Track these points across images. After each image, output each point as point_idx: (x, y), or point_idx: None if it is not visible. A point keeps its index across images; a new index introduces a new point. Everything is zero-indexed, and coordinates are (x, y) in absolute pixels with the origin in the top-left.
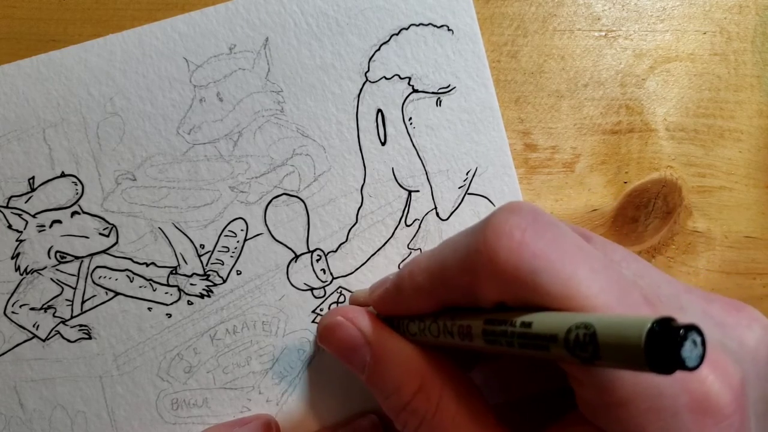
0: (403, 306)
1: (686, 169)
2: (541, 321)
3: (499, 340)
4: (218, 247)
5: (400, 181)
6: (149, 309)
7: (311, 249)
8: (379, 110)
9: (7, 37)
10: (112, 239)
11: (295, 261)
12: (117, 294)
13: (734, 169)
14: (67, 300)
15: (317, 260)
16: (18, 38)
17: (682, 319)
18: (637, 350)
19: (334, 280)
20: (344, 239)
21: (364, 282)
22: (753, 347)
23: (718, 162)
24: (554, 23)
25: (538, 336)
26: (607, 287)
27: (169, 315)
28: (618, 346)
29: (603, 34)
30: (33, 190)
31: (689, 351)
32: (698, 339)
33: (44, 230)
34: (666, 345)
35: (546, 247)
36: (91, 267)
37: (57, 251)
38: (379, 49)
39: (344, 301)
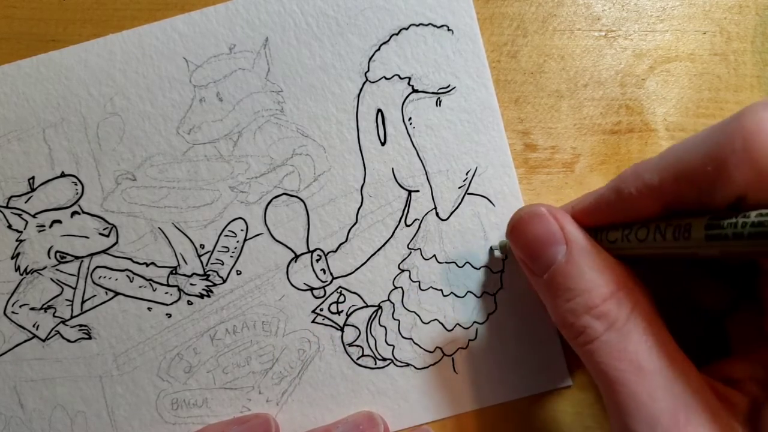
0: (621, 210)
1: None
2: None
3: (725, 233)
4: (218, 247)
5: (400, 181)
6: (149, 309)
7: (311, 249)
8: (379, 110)
9: (8, 37)
10: (112, 239)
11: (295, 261)
12: (117, 294)
13: None
14: (67, 300)
15: (317, 260)
16: (18, 38)
17: None
18: None
19: (334, 280)
20: (344, 239)
21: (363, 282)
22: None
23: None
24: (554, 23)
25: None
26: None
27: (169, 315)
28: None
29: (603, 34)
30: (33, 190)
31: None
32: None
33: (44, 230)
34: None
35: None
36: (91, 267)
37: (57, 251)
38: (378, 49)
39: (344, 301)
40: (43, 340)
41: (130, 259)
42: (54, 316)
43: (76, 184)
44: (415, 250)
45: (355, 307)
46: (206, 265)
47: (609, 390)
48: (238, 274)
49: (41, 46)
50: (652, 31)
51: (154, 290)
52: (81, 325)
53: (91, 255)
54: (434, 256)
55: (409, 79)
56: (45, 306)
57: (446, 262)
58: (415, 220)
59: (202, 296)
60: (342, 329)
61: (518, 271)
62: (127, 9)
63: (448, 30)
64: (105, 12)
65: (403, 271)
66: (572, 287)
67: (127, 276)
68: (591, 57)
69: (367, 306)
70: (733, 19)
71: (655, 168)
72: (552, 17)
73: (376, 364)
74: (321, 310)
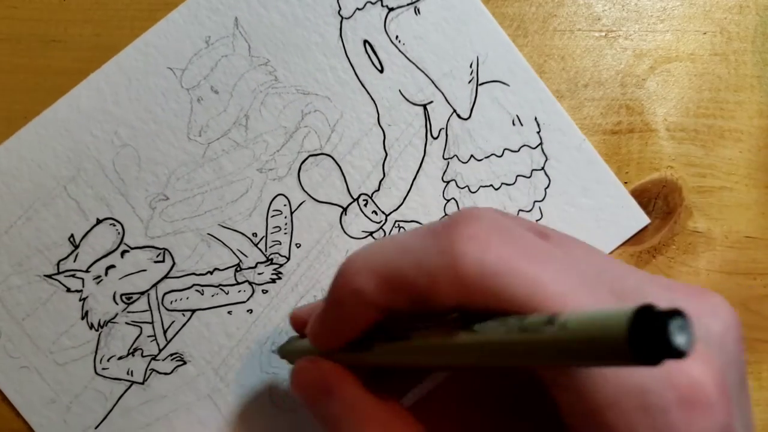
0: (346, 323)
1: (686, 170)
2: (531, 346)
3: (469, 356)
4: (270, 230)
5: (411, 100)
6: (229, 313)
7: (355, 197)
8: (365, 41)
9: (8, 38)
10: (168, 263)
11: (345, 214)
12: (194, 311)
13: (735, 169)
14: (149, 336)
15: (365, 205)
16: (19, 39)
17: None
18: (621, 342)
19: (388, 217)
20: (382, 175)
21: (416, 207)
22: (720, 333)
23: (718, 162)
24: (554, 23)
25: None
26: (574, 286)
27: (250, 311)
28: (599, 342)
29: (603, 34)
30: (77, 246)
31: (677, 336)
32: (684, 323)
33: (102, 280)
34: (652, 333)
35: (510, 250)
36: (160, 296)
37: (121, 294)
38: None
39: None
40: (142, 383)
41: (193, 273)
42: (143, 356)
43: (114, 225)
44: (451, 158)
45: (463, 208)
46: (266, 250)
47: None
48: (298, 247)
49: (42, 47)
50: (653, 31)
51: (227, 293)
52: (172, 354)
53: (155, 285)
54: (472, 156)
55: (381, 0)
56: (131, 350)
57: (485, 157)
58: (440, 129)
59: (273, 281)
60: None
61: (558, 141)
62: (127, 9)
63: None
64: (106, 12)
65: (448, 182)
66: None
67: (197, 291)
68: (591, 57)
69: None
70: (734, 19)
71: (370, 272)
72: (552, 17)
73: None
74: None
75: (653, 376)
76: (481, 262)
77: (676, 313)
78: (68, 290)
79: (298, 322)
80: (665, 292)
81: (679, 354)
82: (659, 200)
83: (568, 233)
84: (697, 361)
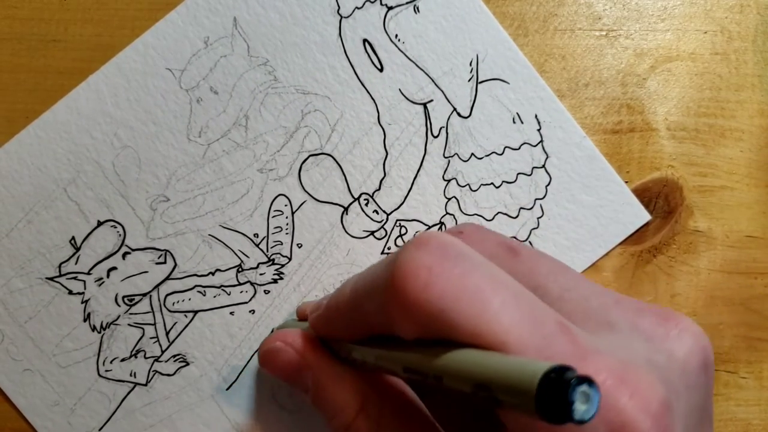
0: (335, 332)
1: (687, 169)
2: (450, 375)
3: (418, 382)
4: (271, 230)
5: (410, 98)
6: (231, 313)
7: (356, 196)
8: (365, 40)
9: (9, 38)
10: (170, 264)
11: (346, 213)
12: (196, 312)
13: (735, 168)
14: (151, 338)
15: (366, 204)
16: (19, 38)
17: (596, 356)
18: (529, 400)
19: (389, 216)
20: (383, 174)
21: (417, 206)
22: (682, 358)
23: (719, 161)
24: (555, 23)
25: (450, 388)
26: (519, 319)
27: (252, 311)
28: (514, 396)
29: (604, 33)
30: (78, 249)
31: (580, 403)
32: (591, 391)
33: (103, 282)
34: (556, 396)
35: (454, 284)
36: (161, 297)
37: (123, 296)
38: None
39: (406, 233)
40: (145, 385)
41: (195, 274)
42: (146, 358)
43: (115, 227)
44: (451, 156)
45: (419, 233)
46: (267, 251)
47: None
48: (299, 247)
49: (42, 47)
50: (653, 30)
51: (229, 294)
52: (174, 356)
53: (157, 286)
54: (472, 154)
55: None
56: (134, 352)
57: (486, 155)
58: (441, 128)
59: (275, 281)
60: None
61: (558, 138)
62: (128, 9)
63: None
64: (106, 12)
65: (449, 180)
66: (328, 409)
67: (199, 292)
68: (592, 56)
69: (430, 227)
70: (734, 19)
71: (348, 303)
72: (553, 17)
73: None
74: (389, 248)
75: None
76: (423, 299)
77: (583, 380)
78: (70, 292)
79: (302, 315)
80: (631, 316)
81: (579, 421)
82: (660, 199)
83: (540, 250)
84: (636, 397)
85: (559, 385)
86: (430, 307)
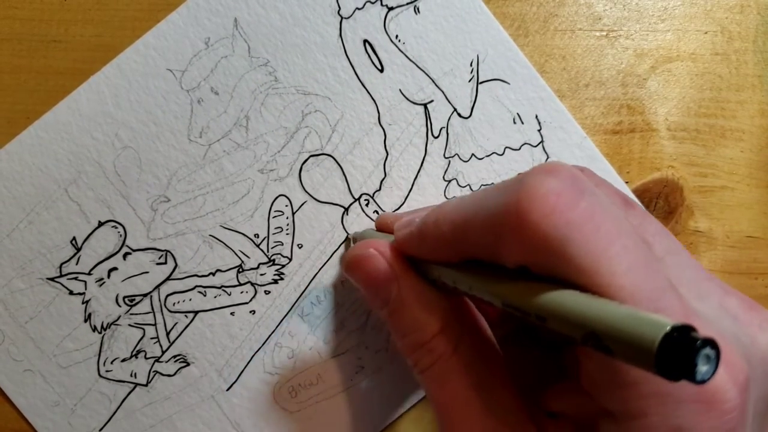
0: (426, 252)
1: (688, 169)
2: (559, 318)
3: (515, 317)
4: (272, 231)
5: (411, 99)
6: (232, 314)
7: (356, 197)
8: (365, 41)
9: (9, 38)
10: (170, 264)
11: (347, 214)
12: (197, 313)
13: (736, 168)
14: (152, 338)
15: (366, 204)
16: (20, 39)
17: (697, 319)
18: (649, 356)
19: None
20: (383, 175)
21: (418, 207)
22: (764, 347)
23: (719, 162)
24: (555, 23)
25: (552, 329)
26: (635, 266)
27: (253, 312)
28: (631, 348)
29: (604, 34)
30: (79, 249)
31: (702, 365)
32: (713, 354)
33: (104, 282)
34: (679, 355)
35: (580, 216)
36: (162, 298)
37: (124, 297)
38: None
39: None
40: (146, 385)
41: (195, 275)
42: (146, 358)
43: (116, 228)
44: (452, 157)
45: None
46: (268, 251)
47: (435, 414)
48: (299, 247)
49: (43, 47)
50: (654, 30)
51: (230, 295)
52: (175, 356)
53: (157, 287)
54: (473, 154)
55: (381, 0)
56: (134, 352)
57: (486, 156)
58: (441, 128)
59: (276, 281)
60: None
61: (559, 138)
62: (128, 9)
63: None
64: (107, 12)
65: (449, 181)
66: (405, 325)
67: (199, 292)
68: (592, 57)
69: None
70: (735, 19)
71: (451, 222)
72: (553, 17)
73: None
74: None
75: None
76: (547, 224)
77: (708, 342)
78: (71, 293)
79: (382, 225)
80: (720, 294)
81: (699, 382)
82: (660, 200)
83: None
84: (728, 366)
85: (685, 346)
86: (552, 234)
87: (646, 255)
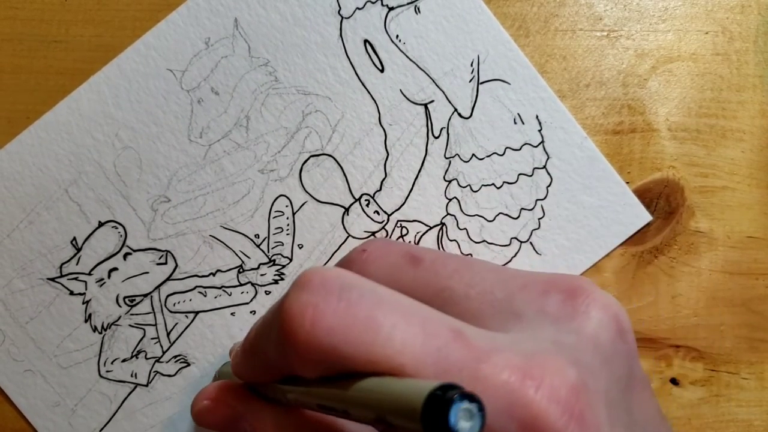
0: (254, 377)
1: (688, 169)
2: (354, 408)
3: (336, 415)
4: (272, 231)
5: (411, 99)
6: (232, 314)
7: (357, 197)
8: (366, 41)
9: (10, 38)
10: (171, 265)
11: (347, 214)
12: (197, 313)
13: (737, 169)
14: (152, 338)
15: (367, 205)
16: (20, 39)
17: (494, 357)
18: (417, 424)
19: (390, 217)
20: (384, 175)
21: (417, 207)
22: (593, 333)
23: (720, 162)
24: (556, 23)
25: (358, 419)
26: (411, 337)
27: (253, 312)
28: (407, 421)
29: (605, 34)
30: (79, 249)
31: (464, 421)
32: (474, 408)
33: (105, 282)
34: (439, 417)
35: (340, 318)
36: (162, 298)
37: (124, 297)
38: None
39: (407, 234)
40: (146, 385)
41: (195, 275)
42: (147, 358)
43: (116, 228)
44: (452, 157)
45: (420, 233)
46: (268, 251)
47: None
48: (300, 248)
49: (44, 47)
50: (654, 31)
51: (230, 295)
52: (175, 356)
53: (158, 287)
54: (473, 155)
55: (381, 0)
56: (135, 353)
57: (487, 156)
58: (442, 129)
59: (276, 282)
60: None
61: (559, 138)
62: (128, 9)
63: None
64: (107, 13)
65: (450, 181)
66: None
67: (200, 292)
68: (593, 57)
69: (431, 227)
70: (736, 19)
71: (250, 346)
72: (554, 17)
73: None
74: None
75: (496, 410)
76: (312, 339)
77: (465, 397)
78: (71, 293)
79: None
80: (537, 300)
81: None
82: (661, 200)
83: (441, 255)
84: (542, 388)
85: (441, 405)
86: (321, 345)
87: (421, 319)
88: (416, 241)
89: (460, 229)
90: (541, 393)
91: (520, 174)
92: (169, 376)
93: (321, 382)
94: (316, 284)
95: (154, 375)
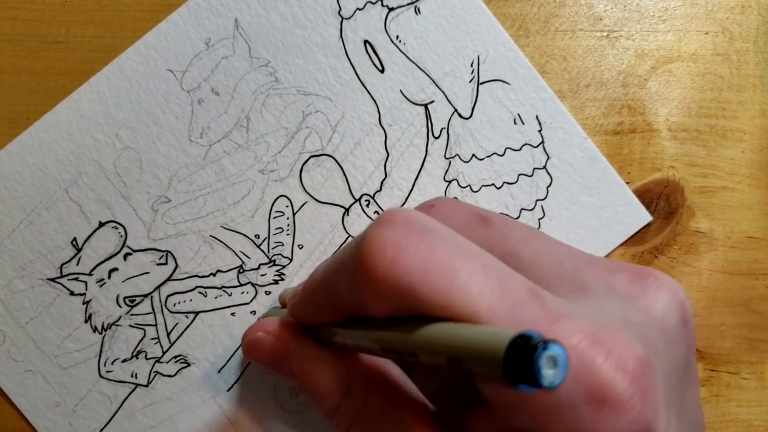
0: (312, 317)
1: (689, 170)
2: (424, 351)
3: (398, 359)
4: (272, 231)
5: (412, 99)
6: (233, 314)
7: (357, 197)
8: (366, 41)
9: (10, 39)
10: (171, 265)
11: (347, 214)
12: (197, 314)
13: (737, 169)
14: (152, 338)
15: (367, 205)
16: (21, 39)
17: (567, 321)
18: (498, 369)
19: None
20: (384, 175)
21: None
22: (660, 315)
23: (720, 162)
24: (556, 24)
25: (427, 363)
26: (488, 289)
27: (253, 312)
28: (483, 366)
29: (605, 34)
30: (79, 250)
31: (548, 369)
32: (559, 355)
33: (105, 283)
34: (523, 363)
35: (421, 259)
36: (163, 298)
37: (125, 297)
38: None
39: None
40: (147, 386)
41: (196, 275)
42: (147, 358)
43: (117, 228)
44: (452, 157)
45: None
46: (268, 252)
47: None
48: (300, 248)
49: (44, 48)
50: (654, 31)
51: (230, 295)
52: (176, 357)
53: (158, 287)
54: (473, 155)
55: (381, 0)
56: (135, 353)
57: (487, 156)
58: (442, 129)
59: (276, 282)
60: None
61: (559, 139)
62: (129, 10)
63: None
64: (107, 13)
65: (450, 182)
66: (315, 394)
67: (200, 293)
68: (593, 57)
69: None
70: (736, 19)
71: (320, 288)
72: (554, 18)
73: None
74: None
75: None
76: (391, 276)
77: (549, 344)
78: (71, 293)
79: (284, 301)
80: (605, 276)
81: (549, 387)
82: (661, 200)
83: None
84: (611, 357)
85: (525, 351)
86: (398, 283)
87: (499, 272)
88: None
89: None
90: (610, 362)
91: (520, 174)
92: (170, 376)
93: (387, 325)
94: (399, 222)
95: (155, 375)
